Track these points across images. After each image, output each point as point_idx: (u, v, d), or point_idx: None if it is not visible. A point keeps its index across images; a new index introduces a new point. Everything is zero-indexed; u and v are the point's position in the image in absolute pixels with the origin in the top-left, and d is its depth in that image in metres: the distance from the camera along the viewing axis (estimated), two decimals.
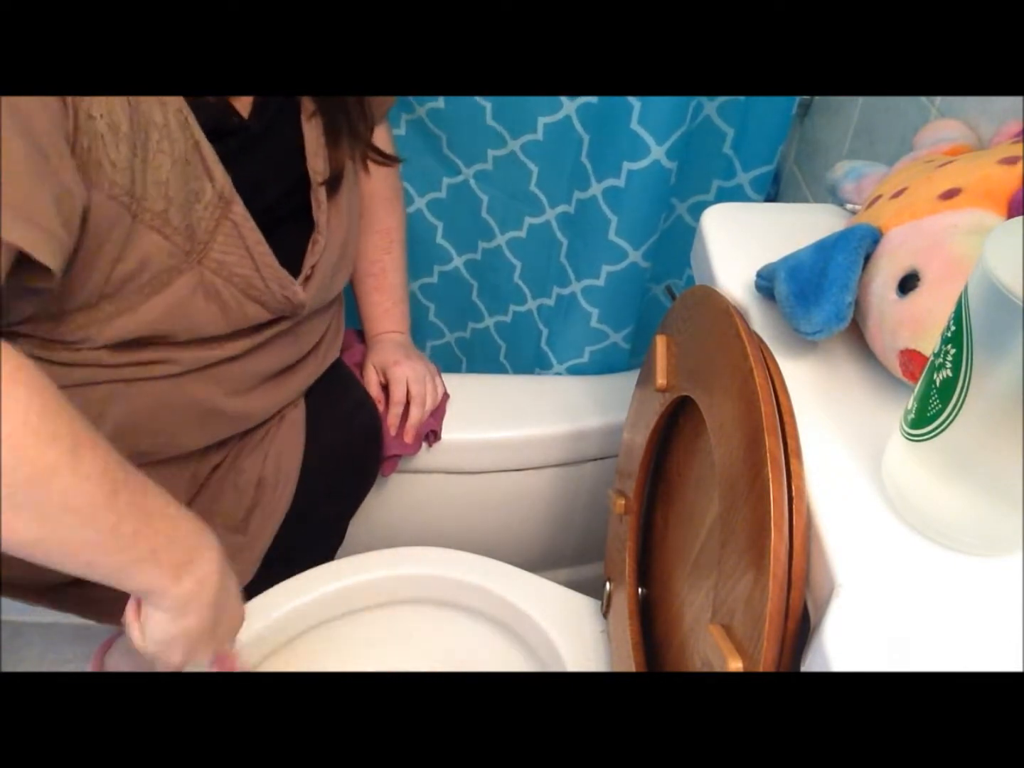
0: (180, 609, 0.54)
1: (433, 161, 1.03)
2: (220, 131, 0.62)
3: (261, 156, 0.68)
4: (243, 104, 0.66)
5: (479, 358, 1.20)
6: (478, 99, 0.93)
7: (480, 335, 1.17)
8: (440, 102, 0.96)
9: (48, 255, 0.49)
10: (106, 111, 0.52)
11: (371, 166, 0.88)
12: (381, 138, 0.89)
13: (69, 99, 0.50)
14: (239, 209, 0.63)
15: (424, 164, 1.03)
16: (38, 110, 0.48)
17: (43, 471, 0.45)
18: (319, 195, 0.73)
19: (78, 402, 0.63)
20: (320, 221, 0.74)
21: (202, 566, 0.54)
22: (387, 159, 0.85)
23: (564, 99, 0.88)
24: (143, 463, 0.69)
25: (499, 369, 1.17)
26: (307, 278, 0.73)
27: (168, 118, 0.57)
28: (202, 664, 0.61)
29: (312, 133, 0.72)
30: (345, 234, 0.78)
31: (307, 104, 0.71)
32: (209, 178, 0.61)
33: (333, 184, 0.74)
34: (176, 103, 0.57)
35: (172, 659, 0.56)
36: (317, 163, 0.73)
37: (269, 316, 0.70)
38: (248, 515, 0.79)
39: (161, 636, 0.55)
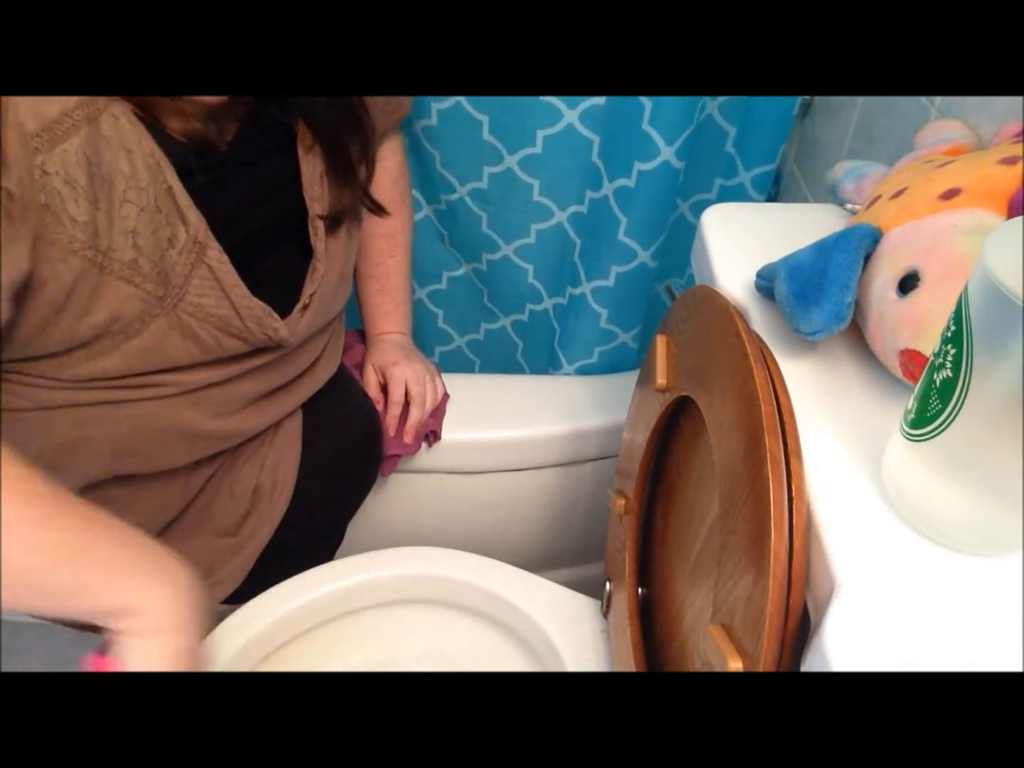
0: (164, 629, 0.49)
1: (427, 181, 1.03)
2: (199, 166, 0.60)
3: (246, 186, 0.66)
4: (225, 133, 0.64)
5: (494, 359, 1.20)
6: (473, 113, 0.92)
7: (496, 335, 1.17)
8: (433, 118, 0.94)
9: None
10: (61, 167, 0.50)
11: (377, 174, 0.87)
12: (393, 151, 0.89)
13: (14, 157, 0.48)
14: (214, 253, 0.62)
15: (421, 181, 1.03)
16: None
17: None
18: (316, 223, 0.72)
19: (61, 423, 0.62)
20: (319, 249, 0.72)
21: (173, 577, 0.51)
22: (378, 210, 0.82)
23: (563, 108, 0.88)
24: (130, 478, 0.68)
25: (516, 369, 1.17)
26: (305, 306, 0.72)
27: (136, 167, 0.55)
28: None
29: (309, 164, 0.70)
30: (344, 258, 0.77)
31: (304, 136, 0.69)
32: (183, 223, 0.59)
33: (332, 222, 0.73)
34: (147, 148, 0.56)
35: None
36: (314, 191, 0.71)
37: (250, 348, 0.69)
38: (242, 520, 0.79)
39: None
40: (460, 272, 1.12)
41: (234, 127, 0.64)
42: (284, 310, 0.70)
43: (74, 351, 0.58)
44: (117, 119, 0.54)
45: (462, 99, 0.91)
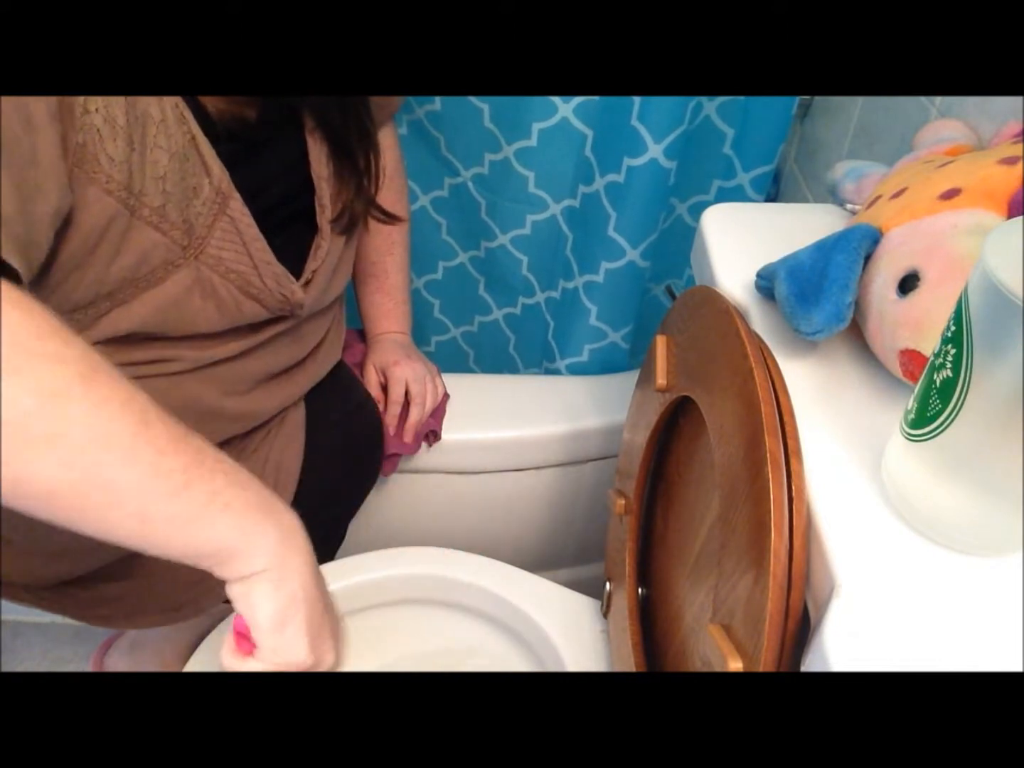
0: (278, 568, 0.46)
1: (434, 161, 1.03)
2: (225, 134, 0.62)
3: (264, 160, 0.68)
4: (248, 109, 0.66)
5: (487, 351, 1.20)
6: (474, 101, 0.93)
7: (488, 327, 1.17)
8: (437, 103, 0.96)
9: (10, 254, 0.45)
10: (102, 105, 0.51)
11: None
12: (386, 143, 0.89)
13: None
14: (237, 205, 0.63)
15: (426, 164, 1.04)
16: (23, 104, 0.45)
17: (52, 397, 0.39)
18: (323, 200, 0.73)
19: None
20: (323, 227, 0.73)
21: (284, 517, 0.48)
22: (390, 218, 0.84)
23: (558, 102, 0.88)
24: None
25: (510, 362, 1.17)
26: (307, 282, 0.73)
27: (165, 112, 0.56)
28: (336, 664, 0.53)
29: (316, 146, 0.72)
30: (340, 246, 0.78)
31: (308, 119, 0.71)
32: (207, 173, 0.60)
33: (342, 222, 0.75)
34: (173, 98, 0.57)
35: (299, 652, 0.48)
36: (321, 170, 0.72)
37: (267, 315, 0.70)
38: None
39: (273, 621, 0.46)
40: (457, 262, 1.12)
41: (256, 106, 0.66)
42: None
43: (98, 302, 0.58)
44: None
45: None
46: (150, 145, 0.55)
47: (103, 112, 0.51)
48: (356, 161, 0.75)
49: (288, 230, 0.71)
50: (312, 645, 0.49)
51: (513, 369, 1.19)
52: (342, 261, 0.79)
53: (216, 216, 0.61)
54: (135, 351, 0.63)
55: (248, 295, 0.67)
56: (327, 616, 0.51)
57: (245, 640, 0.49)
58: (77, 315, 0.59)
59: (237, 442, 0.77)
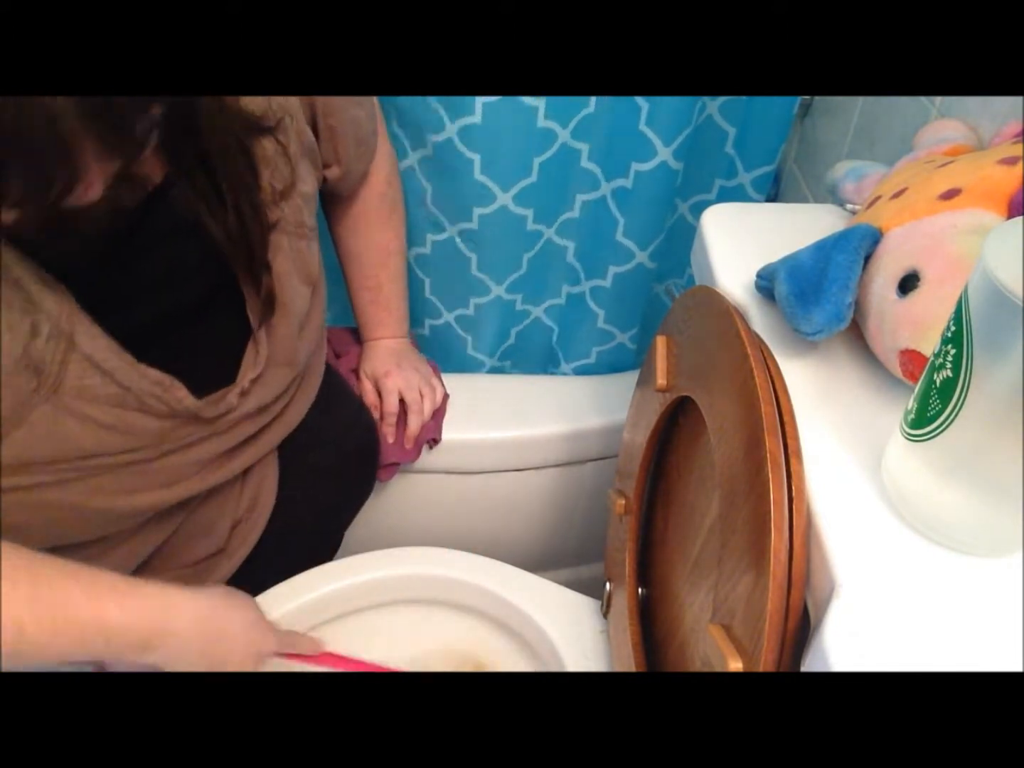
0: (171, 663, 0.57)
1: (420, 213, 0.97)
2: (86, 246, 0.54)
3: (148, 263, 0.59)
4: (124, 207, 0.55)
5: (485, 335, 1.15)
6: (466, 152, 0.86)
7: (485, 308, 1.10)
8: (429, 149, 0.88)
9: None
10: None
11: (363, 192, 0.84)
12: (378, 168, 0.84)
13: None
14: (84, 339, 0.55)
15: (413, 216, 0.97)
16: None
17: None
18: (252, 302, 0.64)
19: None
20: (258, 335, 0.66)
21: (167, 638, 0.56)
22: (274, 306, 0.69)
23: (557, 129, 0.83)
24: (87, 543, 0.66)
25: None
26: (244, 392, 0.66)
27: None
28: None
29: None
30: (302, 306, 0.70)
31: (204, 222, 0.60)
32: (41, 311, 0.53)
33: (269, 303, 0.65)
34: None
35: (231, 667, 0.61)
36: (243, 273, 0.63)
37: (178, 423, 0.63)
38: (211, 556, 0.76)
39: (194, 667, 0.59)
40: (444, 236, 1.00)
41: (123, 210, 0.55)
42: (229, 377, 0.66)
43: None
44: None
45: None
46: None
47: None
48: (259, 262, 0.64)
49: (211, 324, 0.64)
50: (226, 662, 0.61)
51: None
52: (303, 334, 0.71)
53: (65, 352, 0.55)
54: (25, 467, 0.58)
55: (132, 409, 0.60)
56: (225, 642, 0.61)
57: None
58: None
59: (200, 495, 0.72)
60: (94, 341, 0.56)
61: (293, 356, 0.71)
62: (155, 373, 0.60)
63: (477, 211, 0.90)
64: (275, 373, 0.70)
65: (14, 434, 0.55)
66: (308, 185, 0.69)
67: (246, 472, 0.76)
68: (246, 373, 0.66)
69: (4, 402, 0.53)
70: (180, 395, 0.62)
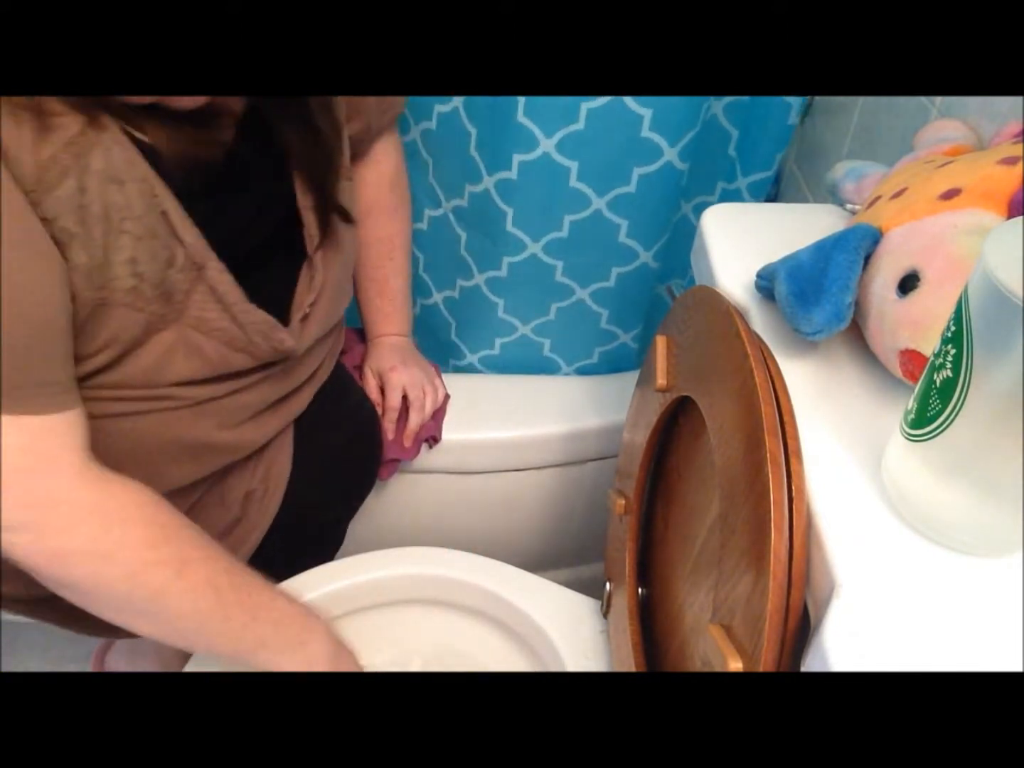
0: (306, 665, 0.64)
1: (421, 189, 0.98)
2: (196, 184, 0.59)
3: (242, 204, 0.65)
4: (215, 147, 0.62)
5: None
6: (466, 124, 0.88)
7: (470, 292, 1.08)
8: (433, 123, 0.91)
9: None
10: (57, 214, 0.51)
11: (373, 177, 0.87)
12: (387, 153, 0.88)
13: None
14: (214, 271, 0.61)
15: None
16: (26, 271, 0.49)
17: (154, 593, 0.56)
18: (311, 230, 0.71)
19: None
20: (315, 259, 0.72)
21: (310, 647, 0.65)
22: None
23: (540, 136, 0.83)
24: None
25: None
26: (305, 316, 0.72)
27: (129, 196, 0.54)
28: None
29: (299, 176, 0.69)
30: (340, 266, 0.76)
31: (289, 153, 0.68)
32: (180, 243, 0.59)
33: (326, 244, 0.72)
34: (139, 173, 0.55)
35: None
36: (305, 200, 0.70)
37: (256, 363, 0.68)
38: (231, 528, 0.78)
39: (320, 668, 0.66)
40: (439, 212, 1.02)
41: (224, 143, 0.62)
42: (284, 320, 0.70)
43: (79, 370, 0.58)
44: (109, 150, 0.53)
45: None
46: (115, 232, 0.54)
47: (59, 222, 0.51)
48: (327, 185, 0.72)
49: (273, 264, 0.69)
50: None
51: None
52: (340, 289, 0.77)
53: (193, 282, 0.61)
54: (129, 392, 0.63)
55: (235, 349, 0.66)
56: (344, 655, 0.70)
57: None
58: None
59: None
60: (220, 275, 0.62)
61: (340, 291, 0.77)
62: (261, 313, 0.66)
63: (468, 189, 0.91)
64: (324, 308, 0.75)
65: (131, 355, 0.60)
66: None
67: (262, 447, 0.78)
68: (303, 299, 0.71)
69: (137, 325, 0.58)
70: (282, 336, 0.68)
